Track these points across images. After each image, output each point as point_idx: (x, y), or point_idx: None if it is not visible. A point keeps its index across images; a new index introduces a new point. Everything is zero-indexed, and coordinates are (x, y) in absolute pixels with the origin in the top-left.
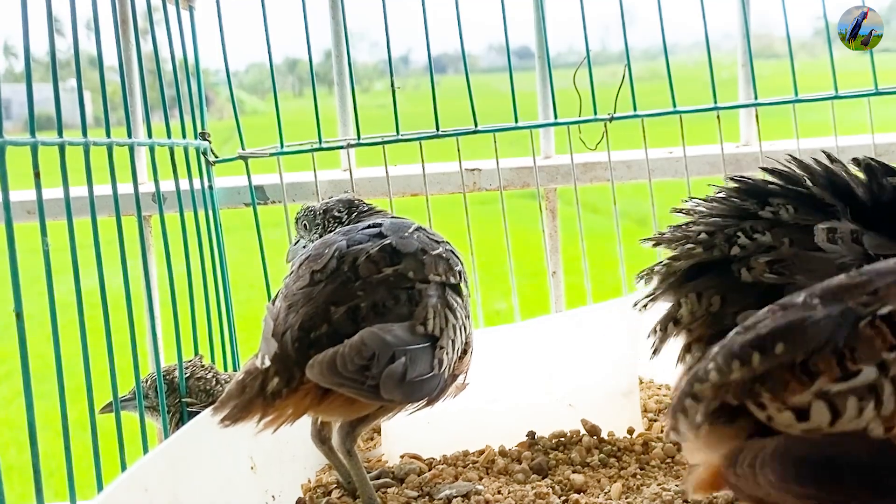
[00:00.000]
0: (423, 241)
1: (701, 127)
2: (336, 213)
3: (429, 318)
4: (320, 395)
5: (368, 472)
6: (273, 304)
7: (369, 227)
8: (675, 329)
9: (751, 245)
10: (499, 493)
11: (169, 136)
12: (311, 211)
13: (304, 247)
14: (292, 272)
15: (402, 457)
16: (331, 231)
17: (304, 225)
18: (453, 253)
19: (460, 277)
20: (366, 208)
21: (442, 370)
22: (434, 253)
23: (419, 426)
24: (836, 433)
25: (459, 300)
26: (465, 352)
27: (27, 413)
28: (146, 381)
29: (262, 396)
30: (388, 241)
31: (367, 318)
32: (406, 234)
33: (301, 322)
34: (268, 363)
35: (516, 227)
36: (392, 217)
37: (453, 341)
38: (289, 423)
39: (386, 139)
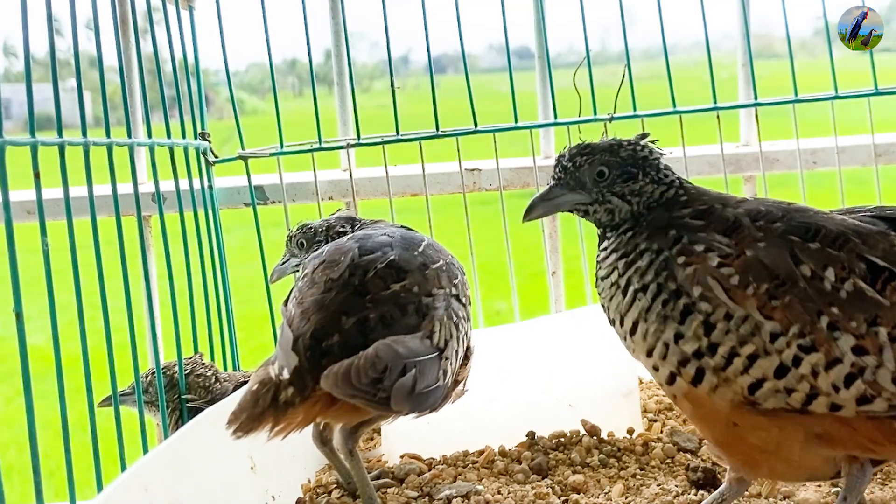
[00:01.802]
0: (427, 255)
1: (701, 127)
2: (340, 229)
3: (436, 330)
4: (330, 402)
5: (368, 472)
6: (285, 306)
7: (383, 235)
8: None
9: None
10: (499, 493)
11: (169, 136)
12: (309, 228)
13: (297, 266)
14: (306, 275)
15: (402, 457)
16: None
17: (301, 243)
18: (453, 265)
19: (460, 288)
20: (368, 222)
21: (446, 380)
22: (434, 266)
23: (419, 426)
24: None
25: (462, 310)
26: (466, 358)
27: (27, 413)
28: (145, 377)
29: (274, 406)
30: (392, 258)
31: (375, 329)
32: (417, 251)
33: (313, 331)
34: (287, 375)
35: (516, 227)
36: (402, 228)
37: (457, 351)
38: (298, 431)
39: (386, 139)
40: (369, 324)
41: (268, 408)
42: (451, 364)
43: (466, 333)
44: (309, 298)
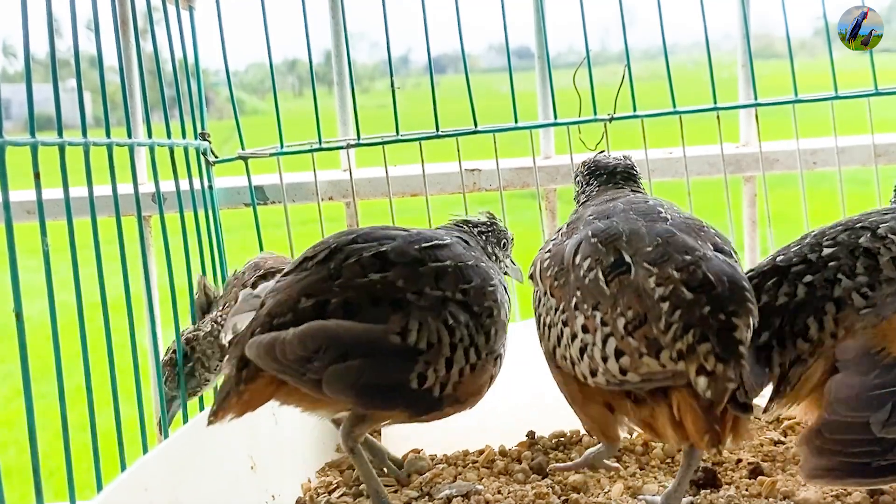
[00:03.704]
0: (432, 253)
1: (701, 127)
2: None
3: (410, 328)
4: (279, 382)
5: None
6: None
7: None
8: None
9: None
10: (499, 492)
11: (169, 137)
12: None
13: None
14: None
15: (402, 456)
16: None
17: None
18: (469, 268)
19: (471, 296)
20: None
21: (427, 386)
22: (434, 265)
23: (419, 426)
24: None
25: (467, 318)
26: (472, 369)
27: (27, 413)
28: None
29: (236, 384)
30: (382, 249)
31: (334, 313)
32: (420, 246)
33: (270, 309)
34: (225, 342)
35: (516, 227)
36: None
37: (449, 359)
38: (251, 411)
39: (386, 139)
40: (328, 307)
41: (233, 388)
42: (434, 370)
43: (471, 345)
44: (281, 279)
